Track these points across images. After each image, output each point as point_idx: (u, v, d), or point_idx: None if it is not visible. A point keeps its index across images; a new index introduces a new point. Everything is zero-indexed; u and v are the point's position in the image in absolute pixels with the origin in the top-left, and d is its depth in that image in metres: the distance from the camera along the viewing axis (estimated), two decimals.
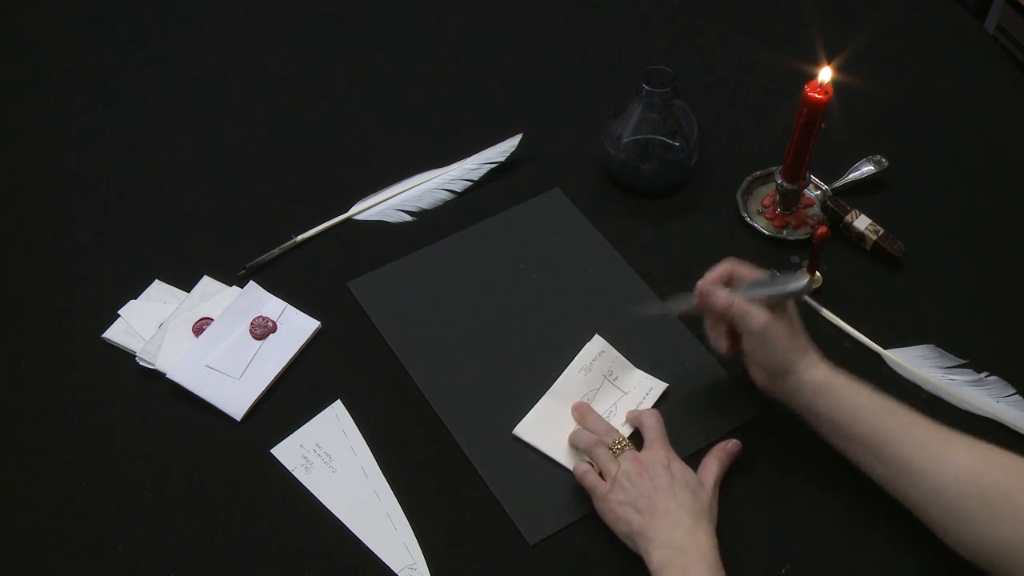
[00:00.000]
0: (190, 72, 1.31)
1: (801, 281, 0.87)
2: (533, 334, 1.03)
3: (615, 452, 0.90)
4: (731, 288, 0.91)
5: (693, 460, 0.94)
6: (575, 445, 0.93)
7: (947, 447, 0.81)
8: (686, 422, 0.95)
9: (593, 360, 1.00)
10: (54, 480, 0.94)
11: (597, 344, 1.01)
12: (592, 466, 0.90)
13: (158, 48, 1.34)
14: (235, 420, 0.97)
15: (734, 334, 0.92)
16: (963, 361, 0.99)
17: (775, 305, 0.88)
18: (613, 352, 1.01)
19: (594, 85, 1.28)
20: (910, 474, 0.82)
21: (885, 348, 1.01)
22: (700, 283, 0.92)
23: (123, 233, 1.13)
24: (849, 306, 1.05)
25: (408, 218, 1.14)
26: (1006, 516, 0.77)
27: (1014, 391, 0.97)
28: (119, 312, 1.04)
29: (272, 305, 1.05)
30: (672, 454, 0.89)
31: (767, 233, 1.11)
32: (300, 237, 1.11)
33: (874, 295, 1.06)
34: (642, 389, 0.98)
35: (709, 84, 1.28)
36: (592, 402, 0.97)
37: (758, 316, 0.87)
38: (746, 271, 0.91)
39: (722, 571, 0.81)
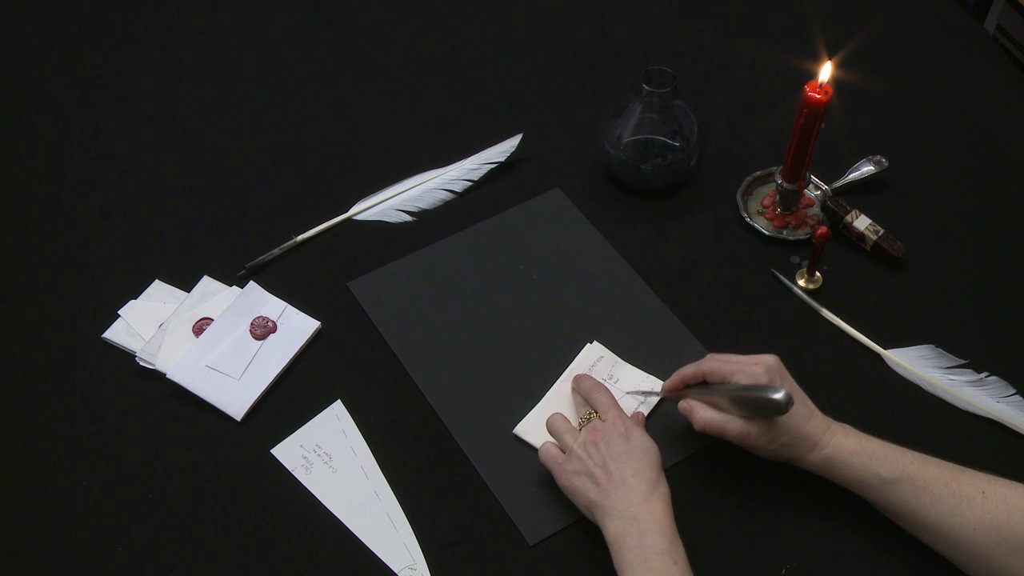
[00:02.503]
0: (190, 72, 1.31)
1: (779, 400, 0.83)
2: (533, 334, 1.03)
3: (581, 424, 0.91)
4: (708, 387, 0.90)
5: (693, 460, 0.94)
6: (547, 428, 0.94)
7: (960, 503, 0.81)
8: (685, 422, 0.95)
9: (592, 366, 1.00)
10: (54, 480, 0.94)
11: (596, 350, 1.01)
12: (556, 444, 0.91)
13: (158, 48, 1.34)
14: (235, 420, 0.97)
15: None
16: (963, 361, 0.99)
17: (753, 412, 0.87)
18: (612, 356, 1.01)
19: (594, 85, 1.28)
20: (930, 531, 0.83)
21: (885, 348, 1.01)
22: (667, 384, 0.93)
23: (123, 233, 1.13)
24: (849, 306, 1.05)
25: (408, 218, 1.14)
26: None
27: (1014, 391, 0.97)
28: (119, 312, 1.04)
29: (272, 305, 1.05)
30: (630, 423, 0.88)
31: (767, 233, 1.11)
32: (300, 237, 1.11)
33: (874, 295, 1.06)
34: (643, 390, 0.98)
35: (709, 84, 1.28)
36: None
37: (733, 431, 0.87)
38: (723, 368, 0.89)
39: (677, 537, 0.81)
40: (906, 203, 1.14)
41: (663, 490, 0.84)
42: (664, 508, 0.82)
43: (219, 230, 1.13)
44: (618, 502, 0.82)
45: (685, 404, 0.91)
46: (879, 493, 0.84)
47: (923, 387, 0.98)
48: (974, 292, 1.06)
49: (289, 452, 0.95)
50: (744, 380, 0.87)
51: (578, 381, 0.96)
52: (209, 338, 1.02)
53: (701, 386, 0.91)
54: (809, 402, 0.88)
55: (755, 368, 0.87)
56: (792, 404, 0.83)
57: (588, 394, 0.93)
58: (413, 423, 0.97)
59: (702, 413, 0.88)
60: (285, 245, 1.11)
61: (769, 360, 0.88)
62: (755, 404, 0.85)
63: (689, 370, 0.91)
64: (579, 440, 0.88)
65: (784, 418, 0.85)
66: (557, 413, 0.93)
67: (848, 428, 0.87)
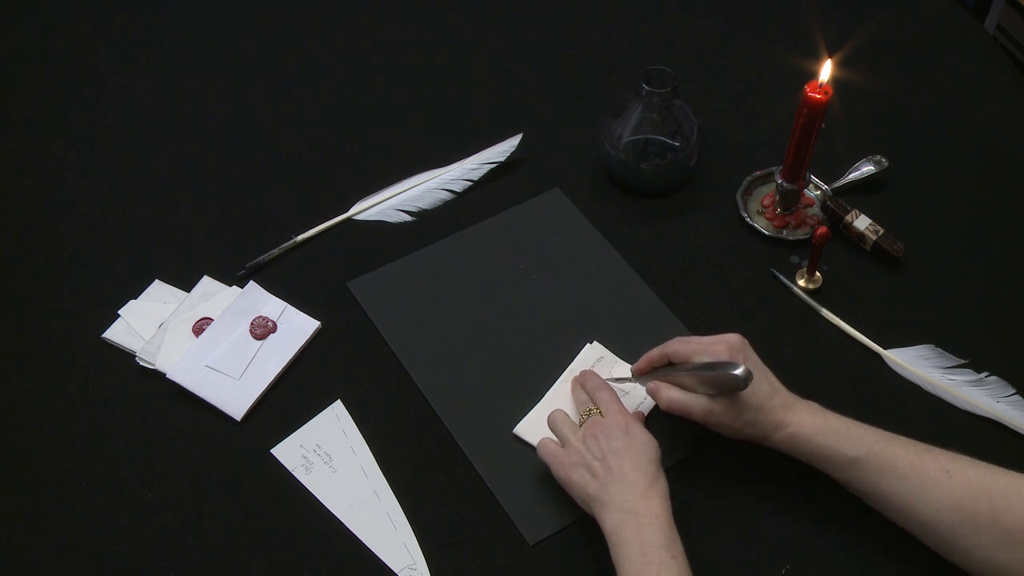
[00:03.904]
0: (190, 72, 1.31)
1: (737, 376, 0.84)
2: (533, 334, 1.03)
3: (581, 421, 0.91)
4: (673, 367, 0.91)
5: (693, 459, 0.94)
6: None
7: (925, 483, 0.81)
8: (685, 421, 0.95)
9: (592, 366, 1.00)
10: (54, 480, 0.94)
11: (596, 350, 1.01)
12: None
13: (157, 48, 1.34)
14: (235, 420, 0.97)
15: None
16: (963, 361, 0.99)
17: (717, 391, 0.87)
18: (612, 356, 1.01)
19: (594, 85, 1.28)
20: (895, 509, 0.84)
21: (885, 348, 1.01)
22: (635, 366, 0.95)
23: (123, 233, 1.13)
24: (849, 306, 1.05)
25: (408, 218, 1.14)
26: (996, 542, 0.78)
27: (1014, 391, 0.97)
28: (119, 312, 1.04)
29: (272, 305, 1.05)
30: (631, 419, 0.89)
31: (767, 233, 1.11)
32: (300, 237, 1.11)
33: (874, 295, 1.06)
34: (643, 389, 0.98)
35: (709, 84, 1.28)
36: None
37: (698, 409, 0.88)
38: (687, 348, 0.90)
39: (676, 532, 0.81)
40: (906, 203, 1.14)
41: (662, 485, 0.84)
42: (662, 504, 0.82)
43: (219, 230, 1.13)
44: (616, 496, 0.83)
45: (652, 385, 0.92)
46: (844, 472, 0.85)
47: (923, 387, 0.98)
48: (974, 292, 1.06)
49: (289, 452, 0.95)
50: (707, 359, 0.88)
51: (584, 376, 0.96)
52: (209, 338, 1.02)
53: (668, 367, 0.92)
54: (773, 379, 0.89)
55: (717, 347, 0.88)
56: (751, 379, 0.84)
57: (592, 392, 0.94)
58: (413, 423, 0.97)
59: (668, 393, 0.90)
60: (285, 245, 1.11)
61: (731, 338, 0.89)
62: (717, 381, 0.86)
63: (655, 352, 0.93)
64: (578, 434, 0.89)
65: (746, 395, 0.86)
66: (558, 409, 0.93)
67: (813, 405, 0.88)
